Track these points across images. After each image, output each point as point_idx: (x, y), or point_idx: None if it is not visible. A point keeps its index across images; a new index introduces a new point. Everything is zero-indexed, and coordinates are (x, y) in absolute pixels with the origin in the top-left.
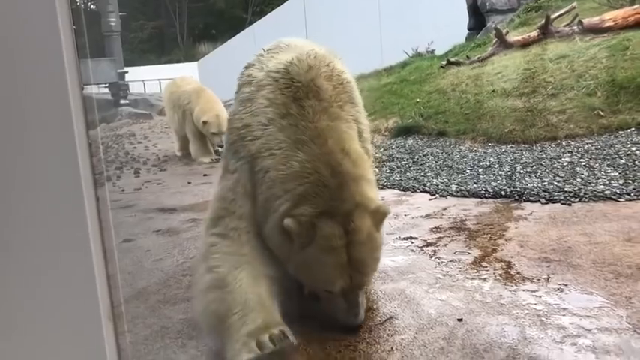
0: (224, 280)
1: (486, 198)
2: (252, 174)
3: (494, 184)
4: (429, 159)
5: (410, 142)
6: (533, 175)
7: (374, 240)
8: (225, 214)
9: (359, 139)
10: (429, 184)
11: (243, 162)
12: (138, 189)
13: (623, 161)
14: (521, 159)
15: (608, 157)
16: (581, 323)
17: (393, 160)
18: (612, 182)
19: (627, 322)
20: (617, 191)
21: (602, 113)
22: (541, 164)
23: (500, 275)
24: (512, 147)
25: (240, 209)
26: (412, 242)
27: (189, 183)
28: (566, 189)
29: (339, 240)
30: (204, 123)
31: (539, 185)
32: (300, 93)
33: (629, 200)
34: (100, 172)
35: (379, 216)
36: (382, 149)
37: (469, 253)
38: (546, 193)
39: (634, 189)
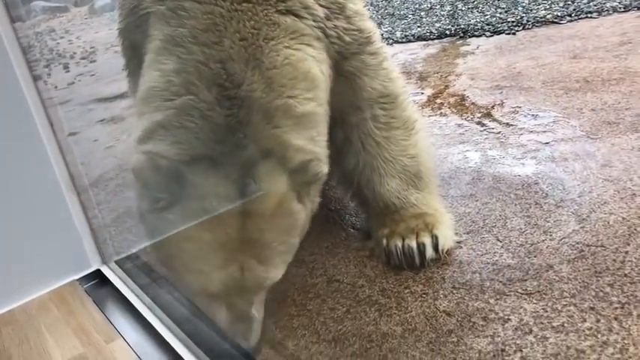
0: None
1: (432, 40)
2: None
3: (437, 24)
4: (369, 9)
5: None
6: (475, 11)
7: (289, 213)
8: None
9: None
10: None
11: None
12: (71, 83)
13: None
14: None
15: None
16: (538, 139)
17: None
18: (553, 6)
19: (580, 131)
20: (559, 14)
21: None
22: None
23: (456, 108)
24: None
25: None
26: None
27: (123, 70)
28: (509, 19)
29: (225, 205)
30: None
31: (483, 19)
32: None
33: (571, 21)
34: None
35: (306, 178)
36: None
37: (422, 94)
38: (490, 26)
39: (574, 9)
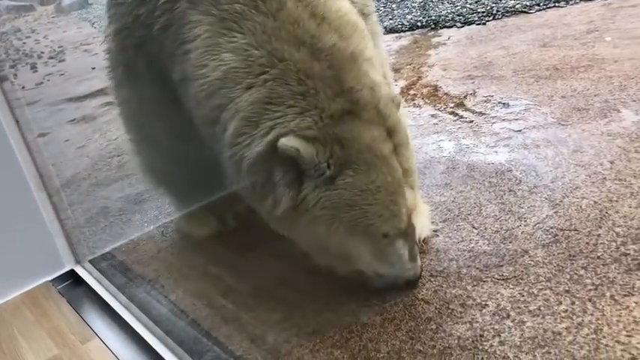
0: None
1: (404, 31)
2: (165, 85)
3: (409, 16)
4: None
5: None
6: (446, 2)
7: (409, 140)
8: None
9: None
10: None
11: (144, 65)
12: (39, 83)
13: None
14: None
15: None
16: (510, 127)
17: None
18: None
19: (552, 118)
20: (527, 3)
21: None
22: None
23: (429, 99)
24: None
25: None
26: None
27: (93, 68)
28: (479, 10)
29: (386, 145)
30: None
31: (453, 10)
32: None
33: (539, 10)
34: None
35: (398, 106)
36: None
37: (396, 85)
38: (461, 17)
39: None
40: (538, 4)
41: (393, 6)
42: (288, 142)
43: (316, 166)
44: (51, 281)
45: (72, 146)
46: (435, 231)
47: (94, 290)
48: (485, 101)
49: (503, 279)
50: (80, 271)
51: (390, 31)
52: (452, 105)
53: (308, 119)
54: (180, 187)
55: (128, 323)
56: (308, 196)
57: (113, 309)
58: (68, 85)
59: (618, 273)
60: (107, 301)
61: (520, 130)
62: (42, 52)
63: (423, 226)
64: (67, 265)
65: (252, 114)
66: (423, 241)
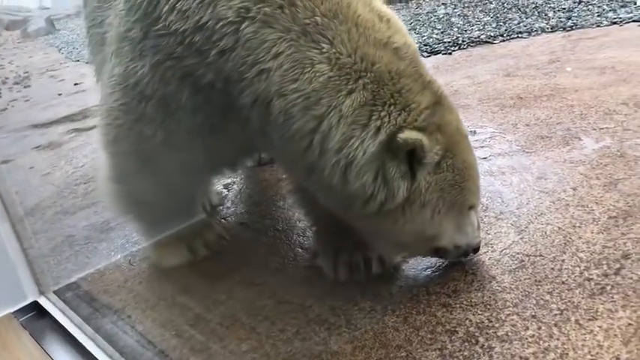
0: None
1: None
2: (207, 116)
3: None
4: None
5: None
6: (412, 32)
7: None
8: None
9: None
10: None
11: (187, 96)
12: (4, 109)
13: (494, 5)
14: (399, 17)
15: (479, 4)
16: (477, 154)
17: None
18: (486, 26)
19: (516, 145)
20: (492, 34)
21: None
22: (419, 20)
23: None
24: (389, 7)
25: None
26: None
27: (60, 94)
28: (445, 40)
29: (463, 127)
30: None
31: (420, 40)
32: None
33: (503, 41)
34: None
35: None
36: None
37: None
38: (427, 47)
39: (506, 30)
40: (502, 35)
41: None
42: (410, 135)
43: (431, 154)
44: (13, 313)
45: (37, 173)
46: (404, 256)
47: (59, 322)
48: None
49: (471, 305)
50: (44, 302)
51: None
52: None
53: (412, 113)
54: (157, 216)
55: (93, 355)
56: (421, 183)
57: (78, 341)
58: (33, 112)
59: (582, 298)
60: (72, 332)
61: (486, 158)
62: (6, 78)
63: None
64: (30, 296)
65: (360, 117)
66: (393, 266)
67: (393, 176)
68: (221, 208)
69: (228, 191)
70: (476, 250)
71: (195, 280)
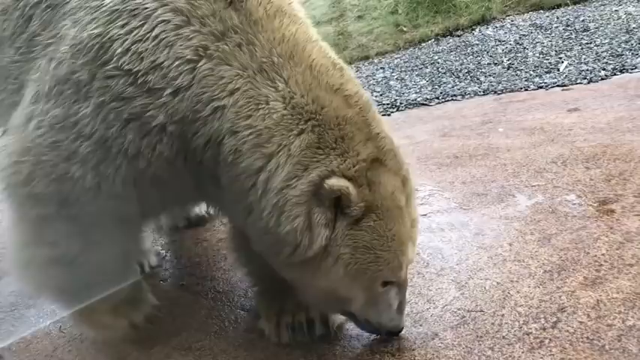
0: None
1: None
2: (157, 159)
3: None
4: None
5: None
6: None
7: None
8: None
9: None
10: None
11: (132, 139)
12: None
13: (429, 69)
14: None
15: (416, 68)
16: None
17: None
18: (422, 90)
19: (454, 202)
20: (428, 97)
21: (405, 29)
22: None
23: None
24: None
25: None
26: None
27: None
28: (384, 102)
29: (403, 196)
30: None
31: None
32: None
33: (439, 103)
34: None
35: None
36: None
37: None
38: None
39: (441, 93)
40: (437, 98)
41: None
42: (338, 182)
43: (354, 207)
44: None
45: None
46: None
47: None
48: None
49: None
50: None
51: None
52: None
53: (347, 161)
54: (81, 280)
55: None
56: (338, 235)
57: None
58: None
59: (522, 352)
60: None
61: (426, 214)
62: None
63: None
64: None
65: (304, 158)
66: (337, 327)
67: (317, 222)
68: (159, 269)
69: (167, 252)
70: (392, 333)
71: (129, 348)
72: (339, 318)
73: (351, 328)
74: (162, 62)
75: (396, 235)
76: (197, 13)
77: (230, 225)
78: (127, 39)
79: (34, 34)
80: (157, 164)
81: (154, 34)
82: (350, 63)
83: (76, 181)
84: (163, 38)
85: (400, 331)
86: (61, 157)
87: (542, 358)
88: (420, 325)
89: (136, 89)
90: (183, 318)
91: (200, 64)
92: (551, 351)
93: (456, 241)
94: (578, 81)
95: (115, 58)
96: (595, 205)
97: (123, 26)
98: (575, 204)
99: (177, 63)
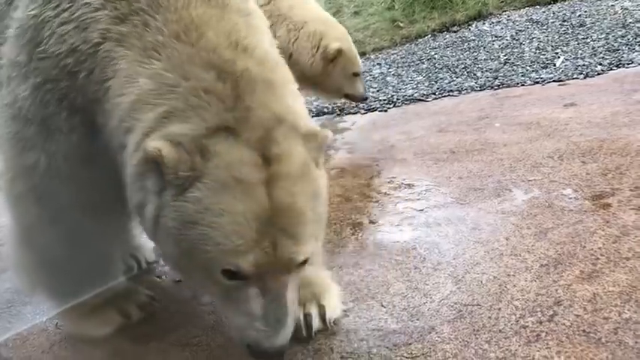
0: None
1: (312, 117)
2: (83, 141)
3: (315, 103)
4: None
5: None
6: None
7: (313, 178)
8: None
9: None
10: None
11: (65, 118)
12: None
13: (425, 65)
14: None
15: (412, 64)
16: (414, 206)
17: None
18: (419, 85)
19: (451, 197)
20: (425, 92)
21: (401, 24)
22: None
23: (336, 180)
24: None
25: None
26: None
27: None
28: (380, 98)
29: (253, 171)
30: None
31: None
32: None
33: (436, 99)
34: None
35: (316, 143)
36: None
37: None
38: (364, 104)
39: (438, 88)
40: (434, 93)
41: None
42: (152, 142)
43: (177, 174)
44: None
45: None
46: (344, 311)
47: None
48: (389, 182)
49: (412, 357)
50: None
51: None
52: (358, 184)
53: (186, 127)
54: (74, 279)
55: None
56: (164, 206)
57: None
58: None
59: (519, 345)
60: None
61: (422, 210)
62: None
63: (334, 307)
64: None
65: (150, 129)
66: (334, 321)
67: (149, 189)
68: (156, 265)
69: None
70: (253, 351)
71: (126, 344)
72: (336, 313)
73: (348, 322)
74: (78, 46)
75: (227, 211)
76: None
77: None
78: (55, 21)
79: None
80: (88, 142)
81: (75, 16)
82: None
83: (35, 169)
84: (82, 21)
85: (268, 354)
86: (22, 147)
87: (538, 351)
88: (417, 319)
89: (59, 72)
90: (180, 314)
91: (102, 47)
92: (547, 344)
93: (453, 235)
94: (575, 76)
95: (44, 40)
96: (591, 199)
97: (54, 8)
98: (571, 198)
99: (87, 46)
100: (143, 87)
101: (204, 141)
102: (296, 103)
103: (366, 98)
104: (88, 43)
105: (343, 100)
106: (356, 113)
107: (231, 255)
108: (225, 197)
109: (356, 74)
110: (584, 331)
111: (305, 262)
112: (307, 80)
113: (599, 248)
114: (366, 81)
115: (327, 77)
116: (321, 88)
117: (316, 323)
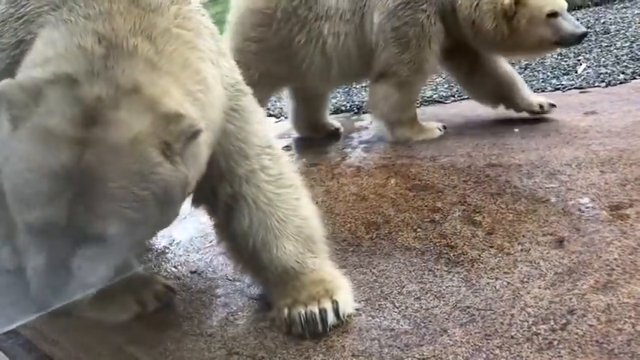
0: None
1: (330, 114)
2: None
3: (334, 100)
4: None
5: None
6: (367, 89)
7: (142, 161)
8: None
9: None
10: (272, 107)
11: None
12: None
13: None
14: None
15: None
16: (428, 207)
17: None
18: (438, 87)
19: (467, 200)
20: (444, 94)
21: None
22: None
23: (352, 178)
24: None
25: None
26: None
27: None
28: None
29: (70, 127)
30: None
31: None
32: None
33: (455, 101)
34: None
35: (177, 128)
36: None
37: (320, 167)
38: None
39: (457, 91)
40: (453, 96)
41: None
42: (5, 81)
43: (13, 113)
44: None
45: None
46: (357, 310)
47: None
48: (405, 182)
49: (423, 359)
50: None
51: None
52: (374, 185)
53: (40, 71)
54: None
55: None
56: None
57: None
58: None
59: (531, 352)
60: None
61: (438, 210)
62: None
63: (347, 302)
64: None
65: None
66: (347, 317)
67: None
68: (172, 255)
69: (178, 237)
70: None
71: (143, 330)
72: (349, 308)
73: (360, 321)
74: (25, 37)
75: (28, 160)
76: None
77: (215, 231)
78: (13, 17)
79: None
80: None
81: (27, 10)
82: None
83: None
84: (30, 15)
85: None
86: None
87: (550, 359)
88: (430, 322)
89: (11, 62)
90: (195, 304)
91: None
92: (559, 352)
93: (469, 239)
94: (596, 84)
95: (4, 35)
96: (609, 209)
97: (16, 5)
98: (588, 207)
99: (30, 37)
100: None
101: (43, 86)
102: (179, 83)
103: (584, 34)
104: (31, 34)
105: (362, 99)
106: None
107: (25, 205)
108: (31, 145)
109: (552, 14)
110: (597, 341)
111: (104, 239)
112: (504, 47)
113: (615, 259)
114: None
115: (520, 37)
116: (523, 50)
117: (331, 318)
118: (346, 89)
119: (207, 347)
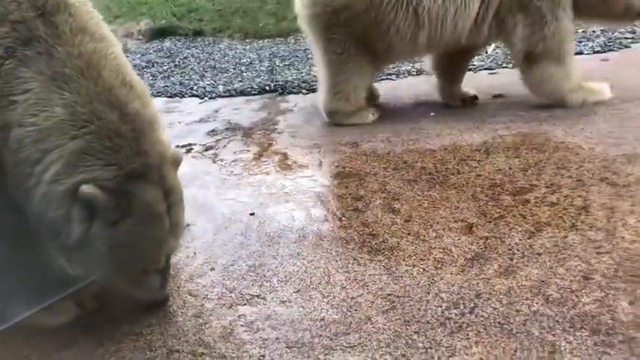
0: None
1: (253, 95)
2: None
3: (258, 80)
4: (190, 61)
5: (167, 44)
6: (291, 68)
7: (182, 191)
8: None
9: None
10: (195, 87)
11: None
12: None
13: None
14: (279, 53)
15: None
16: (352, 195)
17: (153, 66)
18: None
19: (388, 186)
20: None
21: None
22: (297, 56)
23: (280, 167)
24: (268, 41)
25: None
26: (192, 148)
27: None
28: None
29: (161, 204)
30: None
31: (299, 77)
32: (49, 6)
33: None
34: None
35: (176, 165)
36: (139, 55)
37: (248, 151)
38: (306, 84)
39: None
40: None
41: (242, 68)
42: (88, 189)
43: (107, 212)
44: None
45: None
46: (289, 301)
47: None
48: (329, 171)
49: (350, 347)
50: None
51: (239, 93)
52: (300, 174)
53: (108, 173)
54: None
55: None
56: (95, 232)
57: None
58: None
59: (444, 336)
60: None
61: (360, 199)
62: None
63: None
64: None
65: (73, 160)
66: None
67: (74, 217)
68: None
69: None
70: (159, 303)
71: (78, 334)
72: None
73: (293, 312)
74: None
75: (151, 236)
76: (9, 18)
77: None
78: None
79: None
80: None
81: None
82: (288, 35)
83: None
84: None
85: (165, 300)
86: None
87: (460, 341)
88: (355, 310)
89: None
90: (132, 305)
91: (6, 62)
92: (467, 335)
93: (389, 227)
94: (504, 65)
95: None
96: (512, 195)
97: None
98: (494, 193)
99: None
100: (59, 115)
101: (124, 186)
102: (162, 132)
103: None
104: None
105: (285, 79)
106: (297, 93)
107: (154, 263)
108: (146, 228)
109: None
110: (499, 322)
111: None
112: (598, 13)
113: (516, 244)
114: (308, 60)
115: (604, 2)
116: (606, 16)
117: None
118: (269, 67)
119: (148, 346)
